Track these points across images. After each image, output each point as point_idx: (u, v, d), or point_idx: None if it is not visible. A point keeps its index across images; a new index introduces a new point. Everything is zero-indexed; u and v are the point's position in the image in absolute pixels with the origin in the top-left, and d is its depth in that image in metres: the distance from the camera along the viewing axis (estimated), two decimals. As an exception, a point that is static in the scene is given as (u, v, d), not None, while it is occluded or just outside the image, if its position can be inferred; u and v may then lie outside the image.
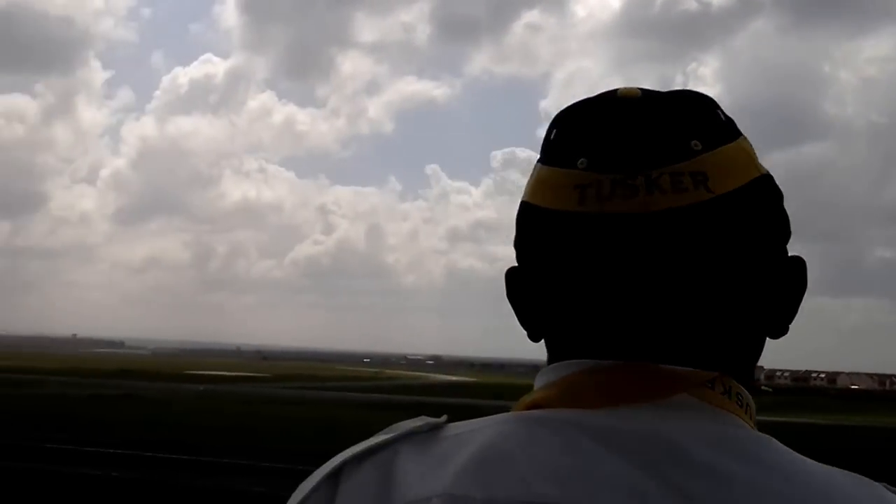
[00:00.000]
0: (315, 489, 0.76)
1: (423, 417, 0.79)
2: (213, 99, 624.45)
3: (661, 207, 0.73)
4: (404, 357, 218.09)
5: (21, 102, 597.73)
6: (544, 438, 0.71)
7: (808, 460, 0.72)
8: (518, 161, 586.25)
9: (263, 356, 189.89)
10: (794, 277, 0.79)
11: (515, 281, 0.83)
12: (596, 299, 0.76)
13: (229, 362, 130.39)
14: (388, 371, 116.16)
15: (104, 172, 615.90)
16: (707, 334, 0.76)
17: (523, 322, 0.84)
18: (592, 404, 0.73)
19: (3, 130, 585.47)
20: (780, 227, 0.80)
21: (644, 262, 0.74)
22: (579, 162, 0.77)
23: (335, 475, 0.76)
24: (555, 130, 0.81)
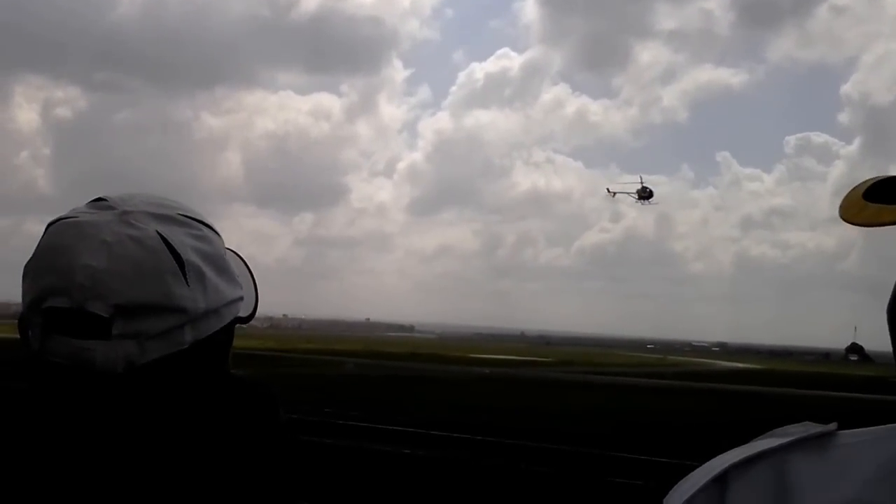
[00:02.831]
0: (701, 490, 0.75)
1: (808, 423, 0.78)
2: (508, 93, 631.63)
3: None
4: (689, 344, 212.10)
5: (328, 101, 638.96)
6: None
7: None
8: (812, 147, 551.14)
9: (547, 341, 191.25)
10: None
11: None
12: None
13: (513, 347, 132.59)
14: (671, 358, 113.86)
15: (401, 165, 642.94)
16: None
17: None
18: None
19: (311, 128, 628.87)
20: None
21: None
22: None
23: (722, 478, 0.75)
24: None
